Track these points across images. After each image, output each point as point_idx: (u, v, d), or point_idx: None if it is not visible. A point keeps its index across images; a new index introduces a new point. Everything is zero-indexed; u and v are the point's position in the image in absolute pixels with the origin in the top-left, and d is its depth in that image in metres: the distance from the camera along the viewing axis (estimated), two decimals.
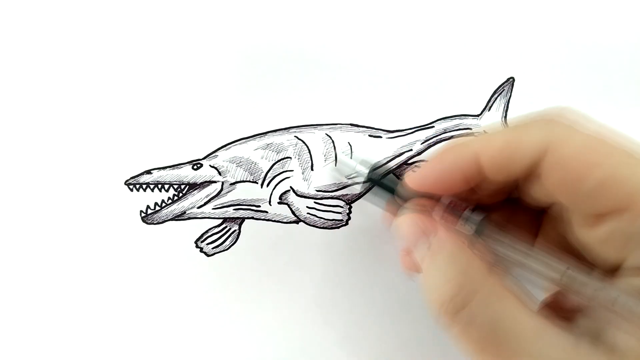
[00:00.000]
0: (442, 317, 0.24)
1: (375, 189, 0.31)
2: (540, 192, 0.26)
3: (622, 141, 0.23)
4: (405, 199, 0.29)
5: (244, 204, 0.34)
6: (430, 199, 0.28)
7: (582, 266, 0.24)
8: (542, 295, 0.28)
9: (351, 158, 0.34)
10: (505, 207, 0.29)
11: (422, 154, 0.35)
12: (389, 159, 0.34)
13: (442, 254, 0.25)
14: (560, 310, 0.25)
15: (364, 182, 0.31)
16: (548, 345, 0.22)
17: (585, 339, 0.22)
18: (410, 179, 0.28)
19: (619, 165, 0.22)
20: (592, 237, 0.24)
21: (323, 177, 0.34)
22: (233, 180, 0.34)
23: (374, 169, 0.31)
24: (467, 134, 0.35)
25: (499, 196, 0.29)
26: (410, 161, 0.35)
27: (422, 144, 0.34)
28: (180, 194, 0.33)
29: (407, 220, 0.27)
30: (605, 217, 0.23)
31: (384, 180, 0.31)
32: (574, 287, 0.24)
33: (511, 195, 0.29)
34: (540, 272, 0.25)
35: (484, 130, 0.35)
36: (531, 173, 0.24)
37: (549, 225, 0.29)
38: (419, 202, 0.28)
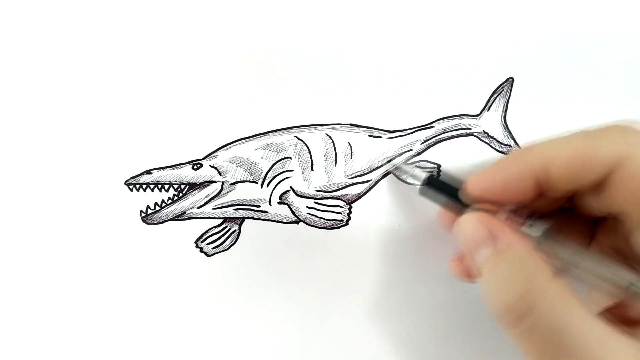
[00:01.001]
0: (503, 320, 0.24)
1: (432, 192, 0.31)
2: (604, 202, 0.25)
3: None
4: (464, 205, 0.28)
5: (244, 204, 0.34)
6: (491, 205, 0.27)
7: None
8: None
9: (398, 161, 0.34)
10: (558, 215, 0.29)
11: (422, 154, 0.35)
12: (389, 159, 0.34)
13: (508, 256, 0.25)
14: (621, 318, 0.24)
15: (422, 185, 0.31)
16: (613, 353, 0.21)
17: None
18: (473, 185, 0.28)
19: None
20: None
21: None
22: (233, 180, 0.34)
23: (431, 173, 0.32)
24: (468, 134, 0.35)
25: (555, 204, 0.28)
26: (410, 161, 0.35)
27: (422, 144, 0.34)
28: (180, 194, 0.33)
29: (472, 220, 0.27)
30: None
31: (444, 185, 0.31)
32: None
33: (564, 204, 0.28)
34: (607, 282, 0.25)
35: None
36: (599, 183, 0.24)
37: (603, 233, 0.29)
38: (480, 209, 0.27)
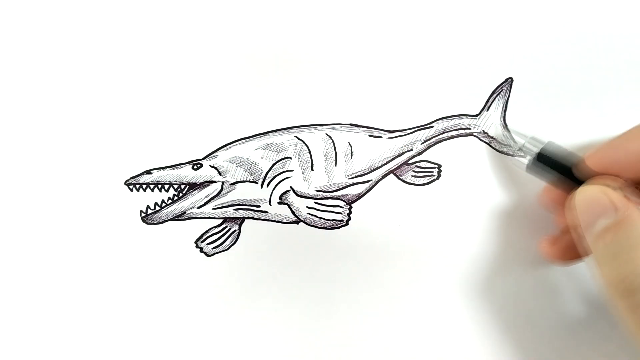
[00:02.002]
0: (618, 289, 0.23)
1: (542, 167, 0.30)
2: None
3: None
4: (576, 183, 0.28)
5: (244, 204, 0.34)
6: (608, 181, 0.26)
7: None
8: None
9: (511, 134, 0.33)
10: None
11: (422, 154, 0.35)
12: (389, 159, 0.34)
13: (631, 226, 0.24)
14: None
15: (534, 160, 0.31)
16: None
17: None
18: (595, 159, 0.27)
19: None
20: None
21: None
22: (233, 180, 0.34)
23: (544, 148, 0.30)
24: (468, 134, 0.35)
25: None
26: (410, 161, 0.35)
27: (422, 143, 0.35)
28: (180, 194, 0.33)
29: (593, 190, 0.26)
30: None
31: (556, 160, 0.30)
32: None
33: None
34: None
35: None
36: None
37: None
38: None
